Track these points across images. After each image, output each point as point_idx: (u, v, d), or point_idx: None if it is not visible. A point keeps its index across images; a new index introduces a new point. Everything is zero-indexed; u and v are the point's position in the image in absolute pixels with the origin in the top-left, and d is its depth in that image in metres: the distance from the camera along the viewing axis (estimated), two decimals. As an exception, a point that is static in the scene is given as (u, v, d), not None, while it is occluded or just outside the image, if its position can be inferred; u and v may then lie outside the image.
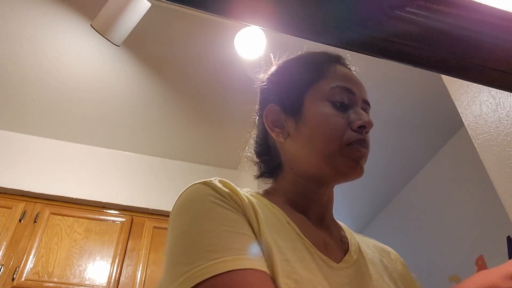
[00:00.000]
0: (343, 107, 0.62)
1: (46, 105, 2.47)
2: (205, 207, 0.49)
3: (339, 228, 0.68)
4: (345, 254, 0.60)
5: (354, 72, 0.70)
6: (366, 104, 0.66)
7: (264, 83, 0.72)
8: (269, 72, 0.73)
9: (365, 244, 0.69)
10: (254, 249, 0.46)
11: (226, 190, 0.52)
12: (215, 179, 0.54)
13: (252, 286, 0.41)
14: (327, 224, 0.65)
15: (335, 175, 0.61)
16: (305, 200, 0.63)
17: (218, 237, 0.45)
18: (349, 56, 0.71)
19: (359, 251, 0.63)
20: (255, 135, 0.73)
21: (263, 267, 0.45)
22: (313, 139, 0.61)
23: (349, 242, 0.64)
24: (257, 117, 0.73)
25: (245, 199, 0.53)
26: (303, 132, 0.63)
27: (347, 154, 0.59)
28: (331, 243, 0.61)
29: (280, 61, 0.73)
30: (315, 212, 0.63)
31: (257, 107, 0.73)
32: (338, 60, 0.69)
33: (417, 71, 0.56)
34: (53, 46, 2.14)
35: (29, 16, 2.01)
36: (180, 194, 0.54)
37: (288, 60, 0.73)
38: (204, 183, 0.53)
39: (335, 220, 0.68)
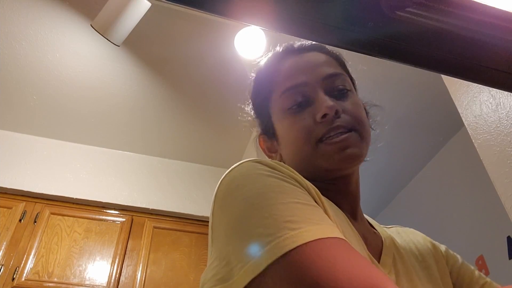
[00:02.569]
0: (301, 106, 0.59)
1: (47, 105, 2.47)
2: (270, 181, 0.46)
3: (367, 221, 0.65)
4: (380, 250, 0.58)
5: (308, 51, 0.65)
6: (329, 78, 0.61)
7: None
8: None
9: (395, 234, 0.66)
10: (330, 220, 0.44)
11: (285, 169, 0.49)
12: (269, 159, 0.52)
13: (342, 253, 0.38)
14: (360, 218, 0.62)
15: (331, 173, 0.58)
16: (332, 194, 0.58)
17: (294, 208, 0.42)
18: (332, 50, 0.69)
19: (394, 245, 0.60)
20: None
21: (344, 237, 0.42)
22: (292, 152, 0.61)
23: (383, 239, 0.60)
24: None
25: (305, 180, 0.50)
26: (284, 149, 0.63)
27: (323, 153, 0.56)
28: (370, 239, 0.58)
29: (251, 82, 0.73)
30: (346, 204, 0.60)
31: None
32: (286, 53, 0.66)
33: (417, 71, 0.56)
34: (53, 46, 2.15)
35: (29, 16, 2.01)
36: (228, 171, 0.51)
37: (251, 83, 0.72)
38: (259, 161, 0.50)
39: (363, 214, 0.65)
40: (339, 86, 0.61)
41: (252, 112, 0.72)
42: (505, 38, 0.45)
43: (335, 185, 0.60)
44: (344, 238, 0.41)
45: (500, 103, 1.20)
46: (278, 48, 0.69)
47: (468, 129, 1.32)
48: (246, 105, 0.75)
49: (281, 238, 0.38)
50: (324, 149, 0.56)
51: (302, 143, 0.58)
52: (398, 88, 2.32)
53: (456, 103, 1.39)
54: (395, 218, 3.11)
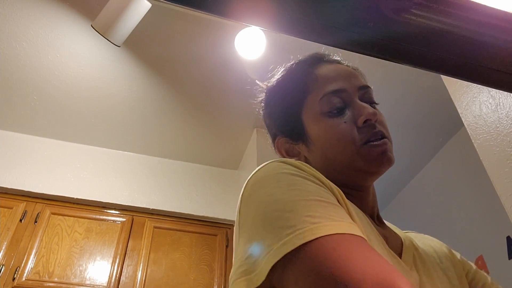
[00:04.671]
0: (340, 111, 0.61)
1: (47, 106, 2.47)
2: (295, 180, 0.48)
3: (385, 225, 0.66)
4: (401, 250, 0.59)
5: (338, 63, 0.68)
6: (364, 89, 0.64)
7: (264, 118, 0.73)
8: (262, 105, 0.73)
9: (413, 237, 0.67)
10: (351, 219, 0.46)
11: (309, 169, 0.51)
12: (293, 159, 0.53)
13: (357, 248, 0.39)
14: (379, 222, 0.64)
15: (366, 176, 0.61)
16: (352, 200, 0.59)
17: (316, 205, 0.44)
18: (338, 53, 0.70)
19: (413, 245, 0.62)
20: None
21: (364, 236, 0.44)
22: (329, 155, 0.61)
23: (402, 239, 0.62)
24: (273, 147, 0.72)
25: (329, 181, 0.52)
26: (316, 151, 0.62)
27: (367, 155, 0.58)
28: (390, 240, 0.59)
29: (267, 89, 0.72)
30: (365, 211, 0.61)
31: (269, 138, 0.73)
32: (317, 60, 0.68)
33: (417, 71, 0.56)
34: (53, 47, 2.15)
35: (29, 16, 2.02)
36: (254, 171, 0.53)
37: (273, 87, 0.71)
38: (285, 161, 0.52)
39: (382, 218, 0.67)
40: (371, 98, 0.64)
41: (269, 115, 0.72)
42: (505, 39, 0.45)
43: (357, 192, 0.62)
44: (362, 235, 0.42)
45: (499, 104, 1.20)
46: (303, 56, 0.70)
47: (467, 129, 1.32)
48: (259, 108, 0.75)
49: (301, 230, 0.40)
50: (368, 151, 0.58)
51: (344, 144, 0.59)
52: (398, 88, 2.32)
53: (455, 103, 1.39)
54: (395, 218, 3.11)
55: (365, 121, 0.59)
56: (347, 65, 0.68)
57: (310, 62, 0.68)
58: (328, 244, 0.39)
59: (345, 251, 0.38)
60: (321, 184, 0.49)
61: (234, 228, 0.52)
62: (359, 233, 0.42)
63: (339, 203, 0.49)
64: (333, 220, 0.42)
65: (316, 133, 0.62)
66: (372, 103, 0.64)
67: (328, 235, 0.39)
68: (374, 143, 0.59)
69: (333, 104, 0.61)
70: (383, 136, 0.60)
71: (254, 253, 0.43)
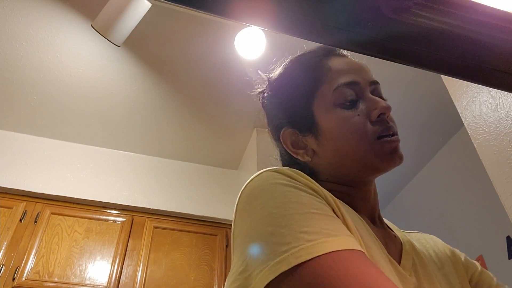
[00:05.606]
0: (353, 103, 0.60)
1: (47, 105, 2.47)
2: (289, 191, 0.47)
3: (386, 225, 0.65)
4: (400, 254, 0.58)
5: (349, 57, 0.66)
6: (374, 84, 0.63)
7: (268, 108, 0.70)
8: (267, 95, 0.70)
9: (415, 240, 0.66)
10: (347, 231, 0.45)
11: (302, 178, 0.50)
12: (286, 168, 0.52)
13: (355, 265, 0.39)
14: (379, 222, 0.63)
15: (375, 172, 0.60)
16: (354, 200, 0.59)
17: (310, 219, 0.43)
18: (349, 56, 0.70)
19: (414, 249, 0.61)
20: (279, 157, 0.70)
21: (361, 248, 0.43)
22: (340, 148, 0.59)
23: (402, 241, 0.61)
24: (274, 141, 0.69)
25: (323, 188, 0.51)
26: (327, 144, 0.61)
27: (380, 150, 0.57)
28: (390, 243, 0.59)
29: (273, 79, 0.69)
30: (366, 210, 0.61)
31: (268, 131, 0.71)
32: (329, 52, 0.66)
33: (417, 71, 0.56)
34: (53, 47, 2.15)
35: (30, 16, 2.02)
36: (248, 181, 0.52)
37: (281, 77, 0.69)
38: (276, 170, 0.51)
39: (382, 218, 0.65)
40: (380, 94, 0.64)
41: (276, 105, 0.68)
42: (505, 38, 0.45)
43: (359, 190, 0.61)
44: (360, 248, 0.42)
45: (499, 103, 1.20)
46: (311, 48, 0.68)
47: (467, 129, 1.32)
48: (260, 99, 0.72)
49: (297, 248, 0.39)
50: (381, 146, 0.58)
51: (358, 138, 0.58)
52: (398, 88, 2.32)
53: (455, 103, 1.39)
54: (395, 218, 3.11)
55: (378, 115, 0.59)
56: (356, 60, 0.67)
57: (321, 54, 0.66)
58: (324, 263, 0.38)
59: (342, 270, 0.38)
60: (314, 193, 0.48)
61: (231, 239, 0.52)
62: (356, 247, 0.42)
63: (334, 211, 0.48)
64: (329, 235, 0.41)
65: (328, 124, 0.60)
66: (381, 98, 0.63)
67: (324, 254, 0.39)
68: (387, 139, 0.58)
69: (346, 96, 0.60)
70: (395, 133, 0.60)
71: (248, 268, 0.43)
